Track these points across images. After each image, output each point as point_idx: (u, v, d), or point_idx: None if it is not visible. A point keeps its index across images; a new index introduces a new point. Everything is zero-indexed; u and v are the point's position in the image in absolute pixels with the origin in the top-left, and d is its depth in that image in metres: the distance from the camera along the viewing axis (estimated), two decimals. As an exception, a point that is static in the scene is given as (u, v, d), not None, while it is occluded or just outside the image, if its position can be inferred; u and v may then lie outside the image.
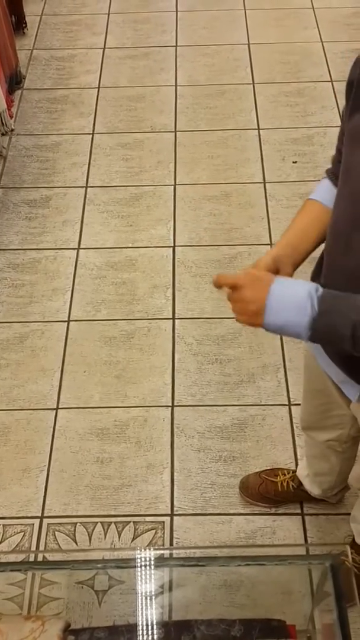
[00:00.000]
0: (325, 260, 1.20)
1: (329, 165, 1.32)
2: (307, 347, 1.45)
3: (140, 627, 1.14)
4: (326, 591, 1.06)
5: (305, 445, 1.85)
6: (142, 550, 1.22)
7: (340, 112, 1.22)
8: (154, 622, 1.16)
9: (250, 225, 2.75)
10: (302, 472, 1.92)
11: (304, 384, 1.60)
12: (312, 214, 1.28)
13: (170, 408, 2.24)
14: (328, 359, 1.28)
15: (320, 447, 1.68)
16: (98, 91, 3.38)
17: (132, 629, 1.17)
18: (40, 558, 1.88)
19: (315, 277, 1.30)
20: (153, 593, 1.33)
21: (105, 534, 1.97)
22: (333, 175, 1.27)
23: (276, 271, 1.18)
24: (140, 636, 1.11)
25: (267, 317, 1.01)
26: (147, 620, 1.17)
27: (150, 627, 1.12)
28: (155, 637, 1.09)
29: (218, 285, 1.07)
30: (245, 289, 1.03)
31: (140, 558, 1.18)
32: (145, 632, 1.12)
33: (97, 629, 1.18)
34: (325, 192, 1.27)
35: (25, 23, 3.67)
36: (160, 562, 1.25)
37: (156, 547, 1.88)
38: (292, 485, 1.96)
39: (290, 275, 1.20)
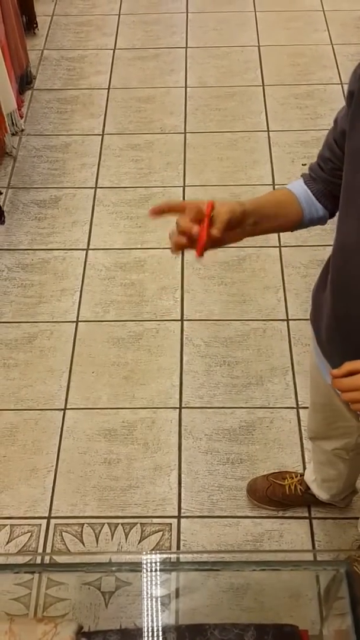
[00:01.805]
0: (334, 280, 1.18)
1: None
2: (312, 361, 1.45)
3: (153, 631, 1.13)
4: (340, 596, 1.06)
5: (312, 452, 1.85)
6: (151, 553, 1.22)
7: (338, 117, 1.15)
8: (167, 626, 1.15)
9: (260, 227, 2.75)
10: (310, 477, 1.91)
11: (310, 396, 1.60)
12: (281, 194, 1.22)
13: (178, 410, 2.24)
14: None
15: (327, 454, 1.68)
16: (108, 92, 3.38)
17: (144, 632, 1.17)
18: (47, 560, 1.88)
19: (319, 290, 1.29)
20: (160, 595, 1.33)
21: (113, 535, 1.97)
22: (310, 179, 1.23)
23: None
24: (153, 639, 1.10)
25: None
26: (159, 623, 1.16)
27: (162, 631, 1.12)
28: (167, 640, 1.09)
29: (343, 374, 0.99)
30: None
31: (150, 561, 1.18)
32: (157, 635, 1.11)
33: (109, 632, 1.18)
34: (298, 186, 1.23)
35: (36, 23, 3.68)
36: (170, 565, 1.25)
37: (164, 551, 1.88)
38: (300, 489, 1.96)
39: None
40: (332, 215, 1.25)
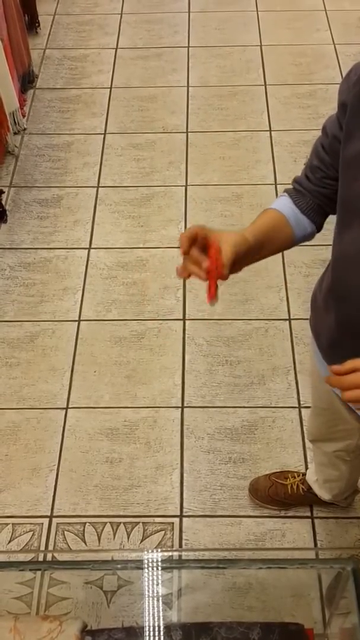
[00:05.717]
0: (335, 288, 1.17)
1: None
2: (313, 367, 1.45)
3: (158, 629, 1.14)
4: (344, 595, 1.06)
5: (313, 453, 1.85)
6: (154, 551, 1.22)
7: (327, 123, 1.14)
8: (172, 624, 1.15)
9: (262, 227, 2.74)
10: (311, 477, 1.91)
11: (312, 400, 1.60)
12: (273, 218, 1.19)
13: (180, 409, 2.23)
14: None
15: (329, 456, 1.68)
16: (110, 91, 3.38)
17: (149, 630, 1.17)
18: (49, 558, 1.88)
19: (318, 297, 1.29)
20: (162, 594, 1.33)
21: (115, 535, 1.97)
22: (297, 194, 1.21)
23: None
24: (159, 638, 1.10)
25: None
26: (164, 621, 1.16)
27: (168, 629, 1.12)
28: (173, 638, 1.09)
29: (339, 374, 0.95)
30: None
31: (154, 559, 1.18)
32: (163, 633, 1.11)
33: (114, 630, 1.18)
34: (284, 206, 1.20)
35: (39, 22, 3.68)
36: (174, 563, 1.25)
37: (167, 549, 1.88)
38: (302, 488, 1.96)
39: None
40: (319, 230, 1.24)
